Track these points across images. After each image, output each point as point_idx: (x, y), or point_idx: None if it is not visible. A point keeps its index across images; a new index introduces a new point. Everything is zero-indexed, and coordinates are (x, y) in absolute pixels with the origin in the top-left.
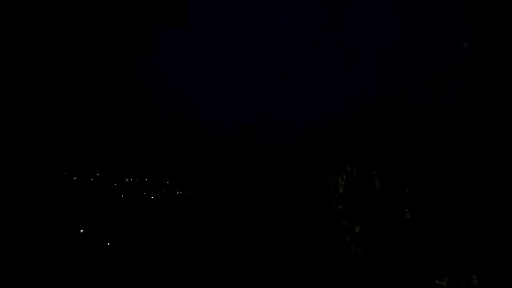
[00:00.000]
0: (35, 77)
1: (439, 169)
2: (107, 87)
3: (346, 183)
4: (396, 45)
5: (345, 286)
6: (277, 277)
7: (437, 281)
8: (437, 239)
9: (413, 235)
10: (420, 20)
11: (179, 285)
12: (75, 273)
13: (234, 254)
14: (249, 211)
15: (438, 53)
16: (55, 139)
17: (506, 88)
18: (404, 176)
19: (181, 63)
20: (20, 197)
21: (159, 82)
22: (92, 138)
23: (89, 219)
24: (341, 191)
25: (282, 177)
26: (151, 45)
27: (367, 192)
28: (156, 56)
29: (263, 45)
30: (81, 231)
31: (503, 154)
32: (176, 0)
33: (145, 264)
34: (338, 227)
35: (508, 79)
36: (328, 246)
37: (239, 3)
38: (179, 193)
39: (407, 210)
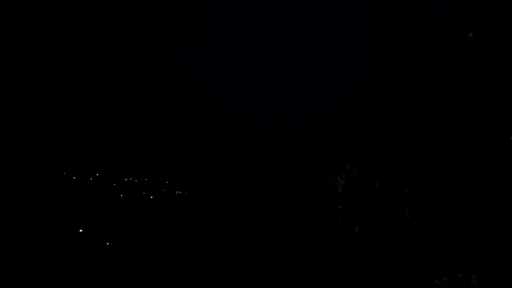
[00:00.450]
0: (35, 77)
1: (439, 170)
2: (107, 87)
3: (346, 183)
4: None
5: (345, 285)
6: (277, 275)
7: (436, 281)
8: (436, 239)
9: (412, 235)
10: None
11: (179, 284)
12: (74, 273)
13: (234, 253)
14: (248, 210)
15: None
16: (55, 139)
17: (506, 89)
18: (403, 176)
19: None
20: (20, 196)
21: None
22: (92, 138)
23: (89, 219)
24: (340, 190)
25: (282, 177)
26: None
27: (366, 192)
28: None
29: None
30: (80, 230)
31: (502, 155)
32: None
33: (144, 263)
34: (337, 227)
35: (508, 79)
36: (328, 245)
37: None
38: (178, 192)
39: (406, 210)
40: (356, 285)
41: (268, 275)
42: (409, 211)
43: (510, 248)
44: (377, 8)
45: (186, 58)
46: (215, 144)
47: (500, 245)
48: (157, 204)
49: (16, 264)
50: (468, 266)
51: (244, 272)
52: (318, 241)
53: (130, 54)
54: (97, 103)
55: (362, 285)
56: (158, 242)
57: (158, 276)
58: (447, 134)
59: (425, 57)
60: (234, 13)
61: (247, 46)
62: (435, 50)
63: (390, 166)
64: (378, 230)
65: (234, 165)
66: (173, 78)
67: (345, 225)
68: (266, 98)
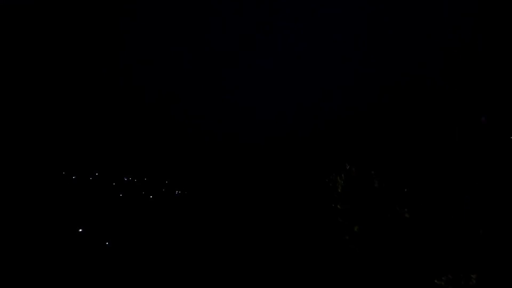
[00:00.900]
0: (35, 77)
1: (438, 169)
2: (107, 87)
3: (345, 183)
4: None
5: (344, 285)
6: (276, 275)
7: (436, 281)
8: (436, 239)
9: (412, 234)
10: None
11: (179, 283)
12: (74, 272)
13: (233, 252)
14: (248, 210)
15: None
16: (55, 139)
17: (506, 89)
18: (403, 175)
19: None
20: (19, 195)
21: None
22: (92, 138)
23: (88, 219)
24: (340, 190)
25: (281, 177)
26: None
27: (366, 191)
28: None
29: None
30: (80, 230)
31: (502, 155)
32: None
33: (144, 262)
34: (337, 226)
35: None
36: (327, 245)
37: None
38: (178, 192)
39: (406, 209)
40: (355, 285)
41: (268, 274)
42: (408, 211)
43: (509, 248)
44: (377, 8)
45: (186, 58)
46: (215, 144)
47: (499, 245)
48: (157, 204)
49: (16, 264)
50: (467, 266)
51: (243, 271)
52: (317, 241)
53: (130, 54)
54: (97, 103)
55: (362, 284)
56: (157, 242)
57: (157, 276)
58: (446, 134)
59: (425, 57)
60: (234, 13)
61: (247, 46)
62: (435, 50)
63: (389, 166)
64: (377, 230)
65: (234, 165)
66: (173, 78)
67: (344, 224)
68: (266, 98)
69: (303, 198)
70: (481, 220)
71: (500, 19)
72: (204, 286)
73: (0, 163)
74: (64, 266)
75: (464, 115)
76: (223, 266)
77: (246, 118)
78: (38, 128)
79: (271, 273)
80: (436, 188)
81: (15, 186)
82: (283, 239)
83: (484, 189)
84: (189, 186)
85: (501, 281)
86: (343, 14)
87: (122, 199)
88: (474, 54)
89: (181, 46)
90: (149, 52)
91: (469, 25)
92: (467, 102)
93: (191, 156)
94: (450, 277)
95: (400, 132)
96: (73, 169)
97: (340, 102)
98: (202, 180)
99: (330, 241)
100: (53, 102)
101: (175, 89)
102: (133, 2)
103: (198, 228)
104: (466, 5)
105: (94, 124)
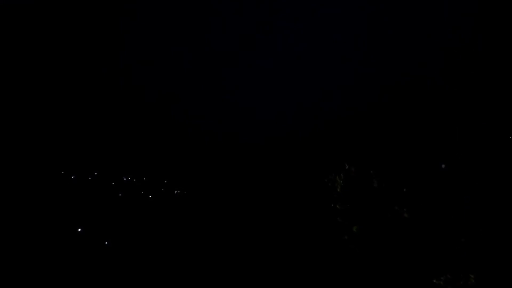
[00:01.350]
0: (35, 77)
1: (437, 169)
2: (106, 87)
3: (344, 183)
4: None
5: (343, 285)
6: (275, 275)
7: (434, 280)
8: (435, 239)
9: (411, 234)
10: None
11: (178, 282)
12: (73, 271)
13: (233, 252)
14: (247, 210)
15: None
16: (54, 138)
17: (506, 89)
18: (402, 175)
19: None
20: (18, 195)
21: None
22: (91, 138)
23: (87, 218)
24: (339, 190)
25: (281, 176)
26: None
27: (365, 191)
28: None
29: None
30: (79, 230)
31: (501, 155)
32: None
33: (143, 262)
34: (336, 226)
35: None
36: (326, 245)
37: None
38: (177, 192)
39: (405, 209)
40: (354, 285)
41: (267, 274)
42: (408, 210)
43: (508, 248)
44: (377, 8)
45: (186, 58)
46: (215, 144)
47: (498, 244)
48: (156, 204)
49: (15, 263)
50: (466, 266)
51: (242, 271)
52: (317, 241)
53: (130, 54)
54: (97, 103)
55: (361, 284)
56: (156, 241)
57: (157, 275)
58: (446, 134)
59: (425, 57)
60: (234, 13)
61: (247, 46)
62: (435, 50)
63: (388, 165)
64: (377, 230)
65: (234, 165)
66: (173, 78)
67: (344, 224)
68: (266, 98)
69: (303, 198)
70: (480, 220)
71: (500, 19)
72: (203, 285)
73: (0, 162)
74: (63, 266)
75: (464, 115)
76: (222, 265)
77: (246, 118)
78: (38, 128)
79: (271, 273)
80: (435, 188)
81: (15, 185)
82: (283, 239)
83: (484, 189)
84: (188, 186)
85: (500, 281)
86: (343, 14)
87: (121, 199)
88: (474, 54)
89: (181, 46)
90: (149, 52)
91: (469, 25)
92: (467, 102)
93: (190, 156)
94: (449, 277)
95: (400, 132)
96: (72, 169)
97: (340, 102)
98: (202, 180)
99: (329, 241)
100: (53, 102)
101: (175, 89)
102: (133, 2)
103: (198, 228)
104: (466, 5)
105: (94, 124)
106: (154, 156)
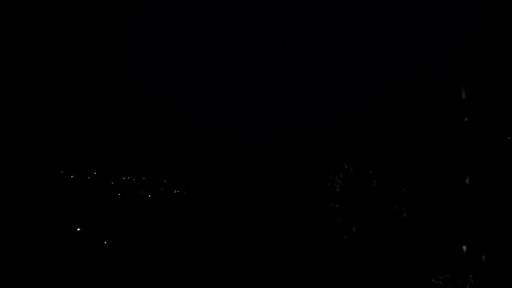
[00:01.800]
0: (35, 77)
1: (436, 169)
2: (107, 87)
3: (343, 182)
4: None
5: (343, 285)
6: (275, 274)
7: (433, 280)
8: (434, 238)
9: (409, 234)
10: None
11: (178, 282)
12: (72, 271)
13: (232, 252)
14: (246, 209)
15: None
16: (53, 138)
17: (506, 89)
18: (401, 175)
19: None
20: (17, 194)
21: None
22: (91, 137)
23: (86, 218)
24: (338, 190)
25: (280, 176)
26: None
27: (364, 191)
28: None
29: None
30: (78, 229)
31: (501, 155)
32: None
33: (142, 261)
34: (335, 226)
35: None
36: (325, 245)
37: None
38: (176, 192)
39: (404, 209)
40: (354, 285)
41: (266, 274)
42: (407, 210)
43: (507, 248)
44: (377, 8)
45: (186, 58)
46: (215, 144)
47: (497, 244)
48: (155, 203)
49: (15, 262)
50: (465, 266)
51: (242, 271)
52: (316, 240)
53: (130, 54)
54: (97, 103)
55: (360, 284)
56: (156, 241)
57: (156, 274)
58: (446, 134)
59: (425, 57)
60: (234, 13)
61: (247, 46)
62: (435, 50)
63: (387, 165)
64: (376, 230)
65: (234, 165)
66: (173, 78)
67: (343, 224)
68: (266, 98)
69: (302, 198)
70: (480, 220)
71: (500, 19)
72: (203, 285)
73: (0, 162)
74: (63, 265)
75: (464, 115)
76: (221, 265)
77: (246, 118)
78: (37, 128)
79: (270, 273)
80: (435, 188)
81: (14, 185)
82: (282, 239)
83: (484, 189)
84: (188, 186)
85: (499, 281)
86: (343, 14)
87: (120, 199)
88: (474, 54)
89: (181, 46)
90: (149, 52)
91: (469, 25)
92: (467, 102)
93: (190, 156)
94: (448, 276)
95: (399, 132)
96: (71, 169)
97: (340, 102)
98: (201, 180)
99: (328, 241)
100: (53, 102)
101: (175, 89)
102: (133, 2)
103: (197, 228)
104: (466, 5)
105: (93, 123)
106: (154, 156)
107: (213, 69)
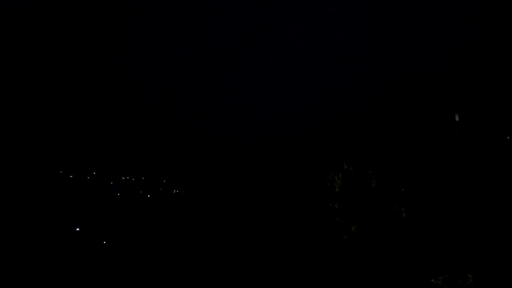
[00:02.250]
0: (35, 77)
1: (436, 169)
2: (107, 87)
3: (343, 182)
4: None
5: (342, 285)
6: (274, 274)
7: (433, 280)
8: (433, 238)
9: (409, 234)
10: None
11: (177, 282)
12: (72, 270)
13: (232, 252)
14: (246, 209)
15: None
16: (54, 138)
17: (506, 89)
18: (400, 175)
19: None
20: (18, 194)
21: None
22: (91, 137)
23: (86, 218)
24: (337, 190)
25: (280, 176)
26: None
27: (363, 191)
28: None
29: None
30: (77, 229)
31: (500, 155)
32: None
33: (142, 261)
34: (334, 226)
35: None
36: (325, 244)
37: None
38: (176, 191)
39: (403, 209)
40: (353, 284)
41: (266, 273)
42: (406, 210)
43: (507, 247)
44: (377, 8)
45: (186, 58)
46: (215, 144)
47: (496, 244)
48: (154, 203)
49: (14, 262)
50: (464, 265)
51: (241, 270)
52: (316, 240)
53: (130, 54)
54: (97, 103)
55: (359, 284)
56: (155, 240)
57: (156, 274)
58: (445, 134)
59: (425, 57)
60: (234, 13)
61: (247, 46)
62: (435, 50)
63: (387, 165)
64: (375, 230)
65: (234, 165)
66: (173, 78)
67: (342, 224)
68: (266, 98)
69: (302, 198)
70: (480, 220)
71: (500, 19)
72: (202, 285)
73: (0, 162)
74: (62, 265)
75: (463, 115)
76: (221, 264)
77: (246, 118)
78: (37, 127)
79: (269, 272)
80: (434, 188)
81: (14, 184)
82: (282, 238)
83: (484, 189)
84: (187, 186)
85: (499, 281)
86: (343, 14)
87: (120, 198)
88: (474, 54)
89: (181, 46)
90: (149, 52)
91: (469, 25)
92: (467, 102)
93: (190, 155)
94: (447, 276)
95: (399, 132)
96: (70, 168)
97: (340, 102)
98: (201, 180)
99: (328, 241)
100: (53, 102)
101: (175, 89)
102: (133, 2)
103: (197, 227)
104: (466, 5)
105: (93, 123)
106: (153, 156)
107: (213, 69)
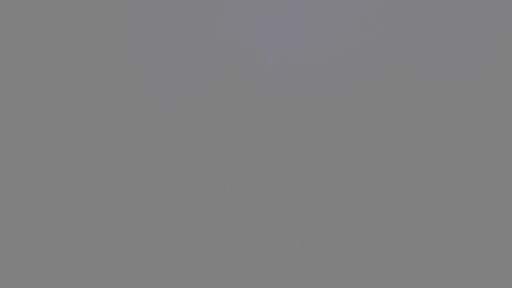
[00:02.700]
0: (34, 77)
1: (435, 169)
2: (107, 87)
3: None
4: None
5: (342, 284)
6: (274, 274)
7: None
8: (432, 238)
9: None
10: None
11: (177, 281)
12: (71, 270)
13: (231, 252)
14: (247, 209)
15: None
16: (54, 138)
17: (506, 89)
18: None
19: None
20: (17, 194)
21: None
22: (91, 137)
23: (86, 217)
24: None
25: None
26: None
27: None
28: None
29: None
30: (77, 229)
31: (500, 155)
32: None
33: (142, 260)
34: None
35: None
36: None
37: None
38: (175, 191)
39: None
40: (353, 284)
41: (265, 273)
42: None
43: (506, 247)
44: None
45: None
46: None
47: (496, 244)
48: (154, 203)
49: (14, 262)
50: (463, 265)
51: (241, 270)
52: (315, 240)
53: (130, 54)
54: (97, 103)
55: (359, 284)
56: (155, 240)
57: (156, 274)
58: (445, 134)
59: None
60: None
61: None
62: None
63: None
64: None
65: (234, 165)
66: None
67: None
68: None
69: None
70: (478, 220)
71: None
72: (202, 285)
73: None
74: (62, 264)
75: (463, 115)
76: (220, 265)
77: None
78: (37, 128)
79: (269, 272)
80: (433, 188)
81: (14, 184)
82: (281, 238)
83: (482, 188)
84: (187, 186)
85: (498, 280)
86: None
87: (119, 198)
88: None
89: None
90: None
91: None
92: (466, 102)
93: (190, 155)
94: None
95: (398, 132)
96: (71, 168)
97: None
98: (201, 180)
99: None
100: (53, 102)
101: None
102: (133, 2)
103: (196, 227)
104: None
105: (93, 123)
106: (153, 156)
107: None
